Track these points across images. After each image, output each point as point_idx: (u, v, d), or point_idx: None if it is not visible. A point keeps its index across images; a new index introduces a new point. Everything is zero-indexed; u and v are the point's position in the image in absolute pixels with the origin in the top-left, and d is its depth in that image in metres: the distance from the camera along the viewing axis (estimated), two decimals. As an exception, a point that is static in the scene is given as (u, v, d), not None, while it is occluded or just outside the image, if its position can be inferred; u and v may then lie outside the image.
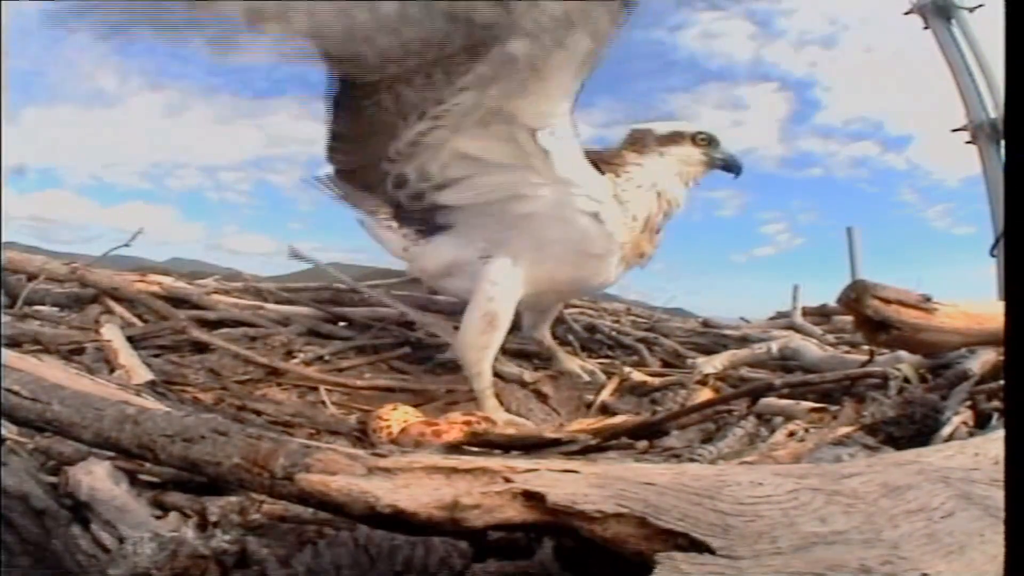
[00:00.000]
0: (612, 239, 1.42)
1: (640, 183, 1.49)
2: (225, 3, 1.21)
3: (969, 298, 1.38)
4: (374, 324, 1.96)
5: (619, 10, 1.26)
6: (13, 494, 0.65)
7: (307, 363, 1.67)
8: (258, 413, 1.33)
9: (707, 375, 1.65)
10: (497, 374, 1.71)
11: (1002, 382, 1.08)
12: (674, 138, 1.54)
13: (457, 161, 1.36)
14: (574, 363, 1.72)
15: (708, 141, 1.56)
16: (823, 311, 2.76)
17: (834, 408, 1.14)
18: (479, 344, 1.40)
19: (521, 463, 0.53)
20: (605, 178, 1.45)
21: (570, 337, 2.13)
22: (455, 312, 1.66)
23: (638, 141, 1.54)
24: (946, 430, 0.95)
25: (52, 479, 0.72)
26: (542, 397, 1.54)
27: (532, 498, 0.49)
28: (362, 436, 1.25)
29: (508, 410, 1.44)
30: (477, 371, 1.40)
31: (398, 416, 1.25)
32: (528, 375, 1.71)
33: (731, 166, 1.60)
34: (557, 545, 0.59)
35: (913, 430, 1.01)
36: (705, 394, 1.45)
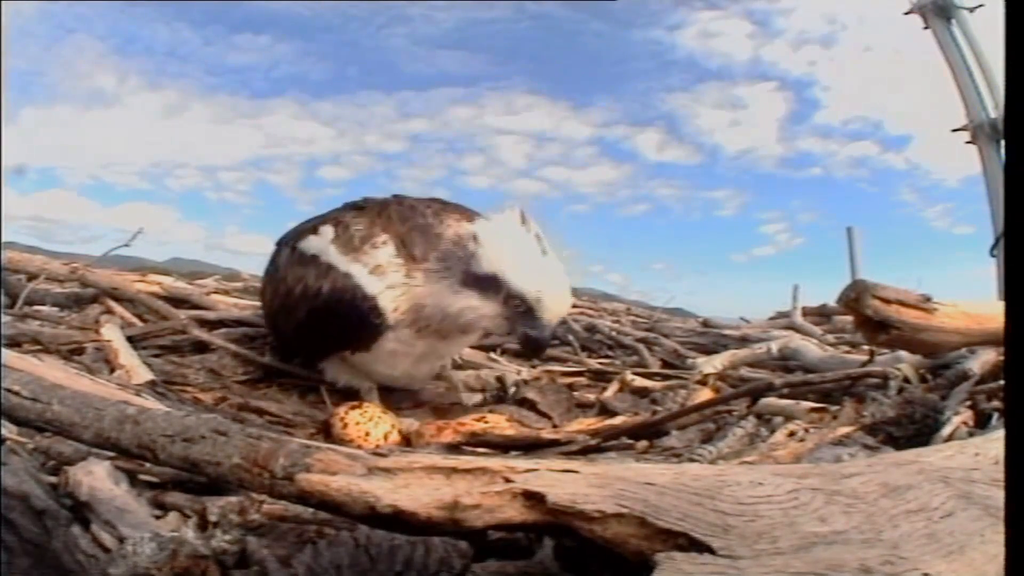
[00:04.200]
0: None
1: None
2: None
3: (969, 298, 1.38)
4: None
5: None
6: (13, 494, 0.65)
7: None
8: (259, 413, 1.33)
9: (707, 375, 1.65)
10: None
11: (1002, 382, 1.08)
12: (486, 283, 1.22)
13: None
14: (459, 376, 1.54)
15: (527, 310, 1.23)
16: (823, 311, 2.76)
17: (834, 408, 1.14)
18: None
19: (521, 463, 0.53)
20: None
21: (570, 337, 2.13)
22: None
23: (446, 257, 1.26)
24: (946, 430, 0.96)
25: (52, 479, 0.72)
26: (529, 403, 1.54)
27: (532, 498, 0.49)
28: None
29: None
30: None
31: (359, 417, 1.23)
32: (525, 373, 1.71)
33: (531, 348, 1.33)
34: (557, 545, 0.59)
35: (913, 430, 1.01)
36: (705, 394, 1.45)
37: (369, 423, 1.22)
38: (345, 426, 1.21)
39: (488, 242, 1.22)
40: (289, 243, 1.43)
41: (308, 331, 1.35)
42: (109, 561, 0.57)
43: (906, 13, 3.83)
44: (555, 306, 1.22)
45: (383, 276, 1.26)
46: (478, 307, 1.23)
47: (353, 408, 1.25)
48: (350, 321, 1.26)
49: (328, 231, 1.33)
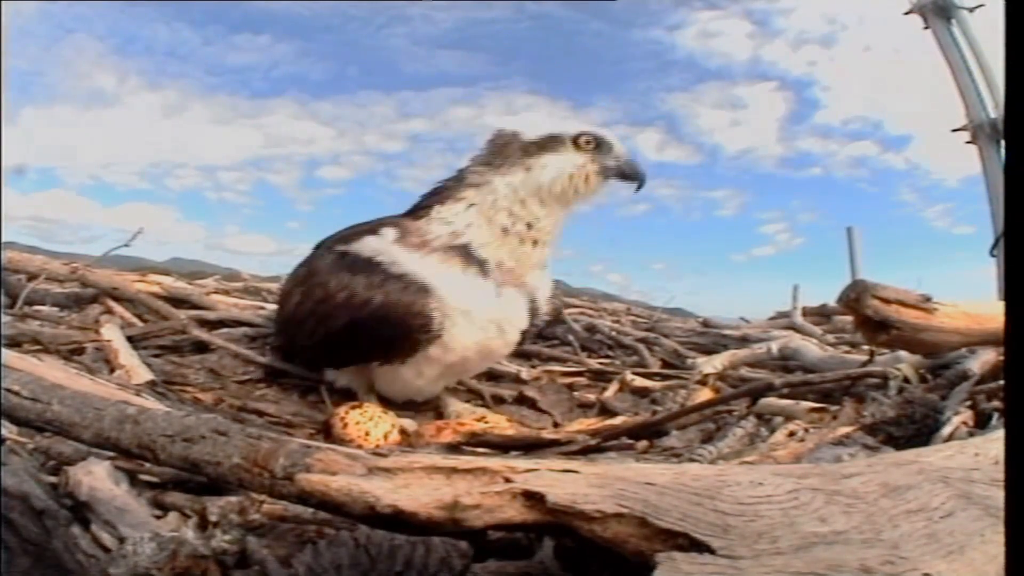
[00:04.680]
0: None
1: (482, 214, 1.25)
2: None
3: (969, 298, 1.38)
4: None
5: None
6: (13, 494, 0.65)
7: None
8: (259, 414, 1.33)
9: (707, 375, 1.65)
10: (493, 373, 1.71)
11: (1002, 382, 1.08)
12: (549, 144, 1.24)
13: None
14: (459, 405, 1.49)
15: (596, 144, 1.25)
16: (823, 311, 2.77)
17: (834, 408, 1.14)
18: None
19: (521, 463, 0.53)
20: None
21: (570, 337, 2.13)
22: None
23: (499, 151, 1.26)
24: (946, 430, 0.96)
25: (52, 479, 0.72)
26: (530, 403, 1.55)
27: (532, 498, 0.49)
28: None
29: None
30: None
31: (359, 417, 1.22)
32: (525, 372, 1.72)
33: (629, 174, 1.27)
34: (557, 545, 0.59)
35: (913, 430, 1.01)
36: (705, 394, 1.45)
37: (369, 423, 1.21)
38: (345, 426, 1.21)
39: (522, 120, 1.28)
40: (333, 246, 1.37)
41: (343, 340, 1.28)
42: (109, 561, 0.57)
43: (906, 13, 3.83)
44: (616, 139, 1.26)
45: (463, 231, 1.25)
46: (559, 163, 1.23)
47: (353, 408, 1.25)
48: (395, 335, 1.22)
49: (390, 232, 1.30)
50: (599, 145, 1.25)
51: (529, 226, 1.26)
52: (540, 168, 1.23)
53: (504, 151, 1.25)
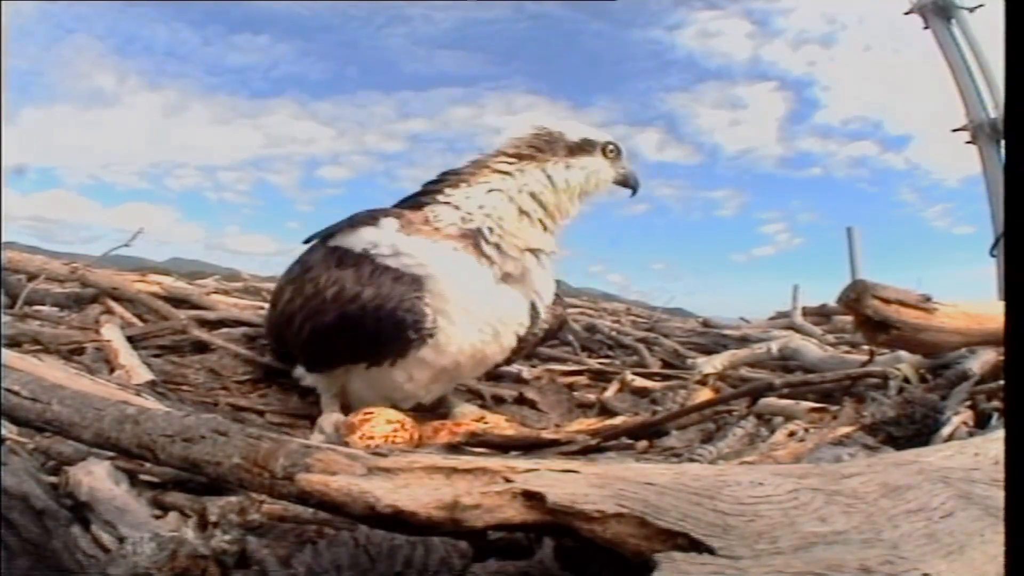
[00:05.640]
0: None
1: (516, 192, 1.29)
2: None
3: (969, 298, 1.38)
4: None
5: None
6: (13, 494, 0.65)
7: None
8: (259, 414, 1.33)
9: (707, 375, 1.65)
10: (493, 373, 1.71)
11: (1002, 382, 1.08)
12: (586, 147, 1.33)
13: None
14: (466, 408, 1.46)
15: (616, 153, 1.36)
16: (823, 311, 2.77)
17: (834, 408, 1.14)
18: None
19: (521, 463, 0.53)
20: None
21: (570, 337, 2.14)
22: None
23: (543, 145, 1.32)
24: (946, 430, 0.96)
25: (52, 479, 0.72)
26: (530, 403, 1.55)
27: (532, 498, 0.49)
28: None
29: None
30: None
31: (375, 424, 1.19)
32: (526, 372, 1.72)
33: (632, 183, 1.40)
34: (557, 545, 0.59)
35: (913, 430, 1.01)
36: (705, 394, 1.45)
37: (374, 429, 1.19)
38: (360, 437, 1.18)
39: (560, 122, 1.36)
40: (324, 240, 1.34)
41: (332, 338, 1.24)
42: (109, 561, 0.57)
43: (906, 13, 3.83)
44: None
45: (474, 214, 1.26)
46: (591, 165, 1.33)
47: (364, 421, 1.21)
48: (385, 331, 1.18)
49: (391, 222, 1.27)
50: (617, 154, 1.37)
51: (546, 210, 1.31)
52: (579, 168, 1.33)
53: (550, 146, 1.32)
